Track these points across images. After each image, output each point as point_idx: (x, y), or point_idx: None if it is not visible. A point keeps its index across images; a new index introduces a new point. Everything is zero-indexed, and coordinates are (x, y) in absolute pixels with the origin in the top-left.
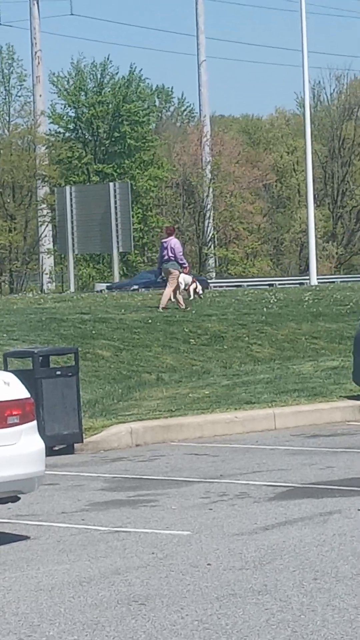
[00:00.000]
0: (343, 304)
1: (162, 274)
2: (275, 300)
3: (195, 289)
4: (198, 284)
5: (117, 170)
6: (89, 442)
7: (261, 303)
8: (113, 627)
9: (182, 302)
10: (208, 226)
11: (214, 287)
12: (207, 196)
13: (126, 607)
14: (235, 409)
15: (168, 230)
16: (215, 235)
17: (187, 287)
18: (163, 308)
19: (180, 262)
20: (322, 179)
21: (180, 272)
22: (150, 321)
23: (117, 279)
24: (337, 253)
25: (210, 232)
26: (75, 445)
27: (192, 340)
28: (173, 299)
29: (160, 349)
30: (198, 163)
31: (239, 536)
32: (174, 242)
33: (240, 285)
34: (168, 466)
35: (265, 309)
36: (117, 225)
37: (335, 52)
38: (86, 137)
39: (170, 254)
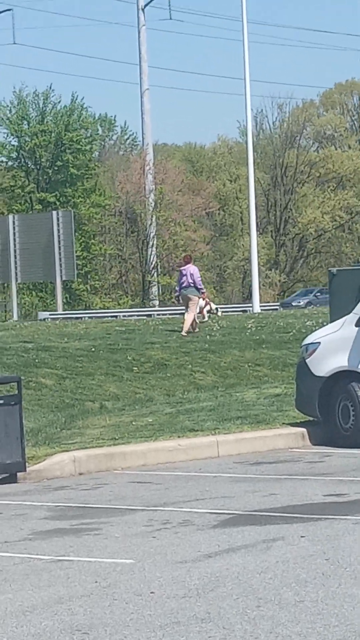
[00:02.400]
0: (286, 331)
1: (181, 300)
2: (219, 327)
3: (209, 310)
4: (212, 303)
5: (60, 199)
6: (32, 471)
7: (204, 331)
8: None
9: (194, 325)
10: (151, 254)
11: (157, 315)
12: (151, 224)
13: (69, 636)
14: (179, 436)
15: (186, 258)
16: (159, 264)
17: (201, 310)
18: (186, 333)
19: (199, 287)
20: (264, 206)
21: (199, 298)
22: (93, 349)
23: (60, 307)
24: (280, 280)
25: (153, 260)
26: (18, 474)
27: (136, 369)
28: (193, 326)
29: (104, 377)
30: (141, 191)
31: (182, 564)
32: (193, 269)
33: (183, 314)
34: (111, 494)
35: (208, 337)
36: (60, 253)
37: (278, 80)
38: (29, 165)
39: (190, 281)
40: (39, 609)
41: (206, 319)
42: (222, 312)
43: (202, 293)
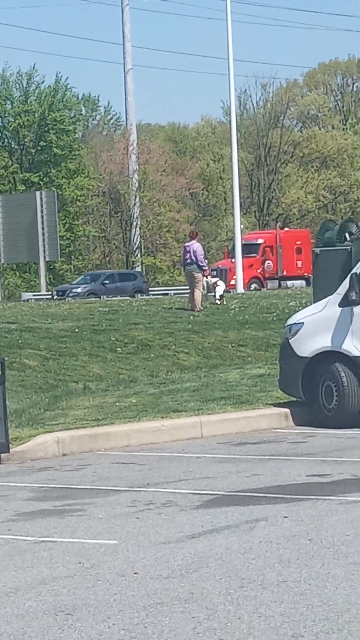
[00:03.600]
0: (269, 311)
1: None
2: (202, 308)
3: (212, 293)
4: (218, 287)
5: (44, 179)
6: (16, 452)
7: (188, 311)
8: (39, 638)
9: (198, 304)
10: (135, 235)
11: (140, 295)
12: (134, 205)
13: (53, 617)
14: (162, 417)
15: (191, 234)
16: (142, 244)
17: (213, 291)
18: (199, 310)
19: (201, 264)
20: (248, 186)
21: (203, 275)
22: (77, 330)
23: (43, 288)
24: None
25: (137, 241)
26: (2, 455)
27: (119, 349)
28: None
29: (87, 357)
30: (125, 172)
31: (166, 545)
32: (196, 245)
33: (167, 294)
34: (95, 475)
35: (191, 317)
36: (43, 234)
37: (261, 60)
38: (12, 146)
39: (193, 257)
40: (22, 590)
41: (224, 302)
42: (222, 300)
43: (204, 270)
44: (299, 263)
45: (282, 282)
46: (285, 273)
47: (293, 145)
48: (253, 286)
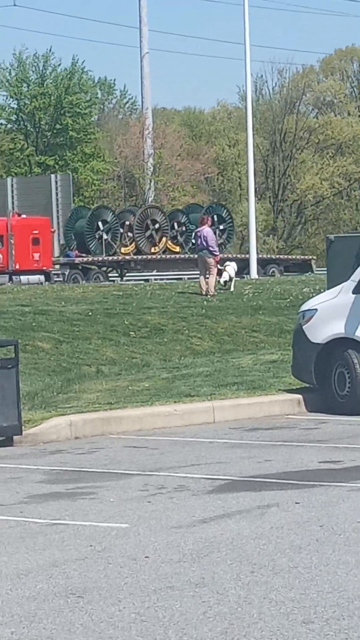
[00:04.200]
0: (283, 297)
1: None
2: (216, 293)
3: (219, 279)
4: (229, 273)
5: (59, 162)
6: (28, 435)
7: (201, 296)
8: (50, 620)
9: (212, 288)
10: None
11: (154, 280)
12: (149, 189)
13: (64, 599)
14: (175, 401)
15: (202, 219)
16: None
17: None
18: (212, 295)
19: (212, 250)
20: (263, 172)
21: (215, 260)
22: (90, 314)
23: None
24: (277, 247)
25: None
26: (14, 437)
27: (132, 333)
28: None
29: (101, 341)
30: (140, 156)
31: (177, 529)
32: (206, 231)
33: (181, 278)
34: (107, 459)
35: (205, 302)
36: (58, 217)
37: (278, 45)
38: (28, 128)
39: (203, 243)
40: (34, 572)
41: (232, 289)
42: (227, 285)
43: (215, 256)
44: (36, 255)
45: (14, 277)
46: (17, 267)
47: (309, 132)
48: None
